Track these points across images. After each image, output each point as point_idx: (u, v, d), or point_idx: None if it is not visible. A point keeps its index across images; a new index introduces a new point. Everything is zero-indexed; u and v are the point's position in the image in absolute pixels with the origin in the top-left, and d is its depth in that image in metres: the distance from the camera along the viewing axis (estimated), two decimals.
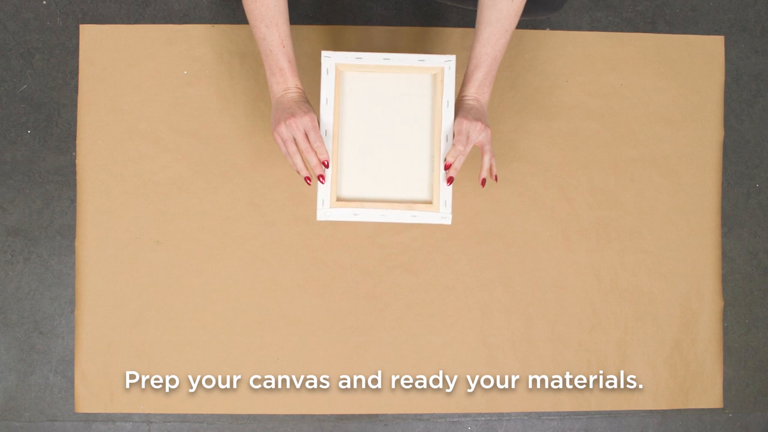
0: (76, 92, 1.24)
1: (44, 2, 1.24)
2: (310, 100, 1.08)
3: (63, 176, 1.24)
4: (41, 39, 1.24)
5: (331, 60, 1.00)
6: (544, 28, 1.27)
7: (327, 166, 0.96)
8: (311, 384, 1.23)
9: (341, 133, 1.02)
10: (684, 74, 1.27)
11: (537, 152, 1.25)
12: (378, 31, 1.25)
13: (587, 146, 1.26)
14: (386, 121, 1.03)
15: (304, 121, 0.93)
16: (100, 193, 1.23)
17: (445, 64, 1.01)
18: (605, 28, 1.28)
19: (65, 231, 1.24)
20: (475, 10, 1.04)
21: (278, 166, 1.23)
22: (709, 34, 1.28)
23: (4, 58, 1.24)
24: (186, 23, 1.25)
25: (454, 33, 1.25)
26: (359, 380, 1.23)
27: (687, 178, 1.26)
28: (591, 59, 1.26)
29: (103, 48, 1.23)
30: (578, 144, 1.26)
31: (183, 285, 1.23)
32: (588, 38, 1.27)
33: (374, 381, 1.23)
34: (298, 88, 0.97)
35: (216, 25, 1.24)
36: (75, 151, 1.24)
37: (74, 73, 1.24)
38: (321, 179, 0.96)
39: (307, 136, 0.95)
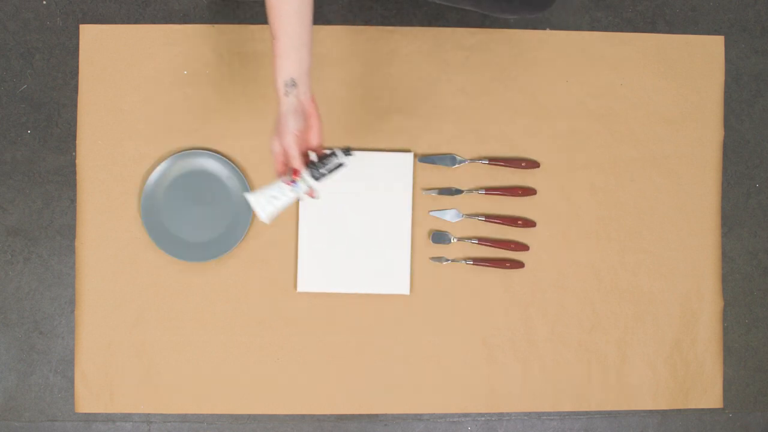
0: (76, 92, 1.24)
1: (44, 2, 1.24)
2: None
3: (63, 176, 1.24)
4: (41, 39, 1.24)
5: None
6: (544, 28, 1.27)
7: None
8: (311, 384, 1.23)
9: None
10: (684, 74, 1.27)
11: (537, 152, 1.25)
12: (378, 31, 1.25)
13: (587, 146, 1.26)
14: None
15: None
16: (100, 193, 1.23)
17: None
18: (605, 28, 1.28)
19: (65, 231, 1.24)
20: (473, 11, 1.04)
21: None
22: (709, 34, 1.28)
23: (4, 58, 1.24)
24: (186, 23, 1.25)
25: (454, 33, 1.25)
26: (359, 380, 1.23)
27: (687, 178, 1.26)
28: (591, 59, 1.26)
29: (103, 48, 1.23)
30: (578, 144, 1.26)
31: (183, 285, 1.23)
32: (588, 38, 1.26)
33: (374, 381, 1.23)
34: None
35: (216, 25, 1.24)
36: (75, 151, 1.24)
37: (74, 73, 1.24)
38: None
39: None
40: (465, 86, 1.25)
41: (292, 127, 0.93)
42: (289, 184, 0.96)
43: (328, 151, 0.99)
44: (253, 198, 0.97)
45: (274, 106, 1.25)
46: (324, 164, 0.97)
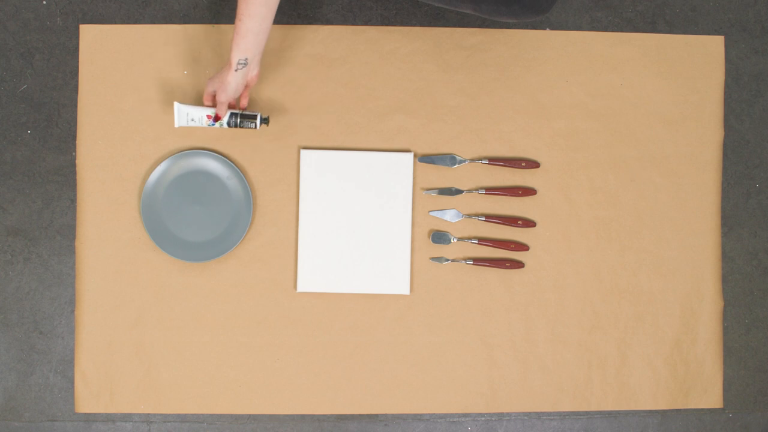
0: (76, 92, 1.24)
1: (44, 2, 1.24)
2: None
3: (63, 176, 1.24)
4: (41, 39, 1.24)
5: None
6: (544, 28, 1.27)
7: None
8: (311, 384, 1.23)
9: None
10: (684, 74, 1.27)
11: (537, 152, 1.25)
12: (378, 31, 1.25)
13: (587, 146, 1.26)
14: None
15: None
16: (100, 193, 1.23)
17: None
18: (605, 28, 1.28)
19: (65, 231, 1.24)
20: (470, 14, 1.04)
21: (278, 165, 1.24)
22: (709, 34, 1.28)
23: (4, 58, 1.24)
24: (186, 23, 1.25)
25: (454, 33, 1.25)
26: (359, 380, 1.23)
27: (687, 178, 1.26)
28: (591, 59, 1.26)
29: (103, 48, 1.23)
30: (578, 144, 1.26)
31: (183, 285, 1.23)
32: (588, 38, 1.27)
33: (374, 381, 1.23)
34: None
35: (216, 25, 1.24)
36: (75, 151, 1.24)
37: (74, 73, 1.24)
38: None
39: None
40: (465, 86, 1.25)
41: (230, 94, 1.10)
42: (208, 118, 1.16)
43: (251, 113, 1.18)
44: (177, 108, 1.16)
45: (276, 109, 1.25)
46: (243, 118, 1.17)
